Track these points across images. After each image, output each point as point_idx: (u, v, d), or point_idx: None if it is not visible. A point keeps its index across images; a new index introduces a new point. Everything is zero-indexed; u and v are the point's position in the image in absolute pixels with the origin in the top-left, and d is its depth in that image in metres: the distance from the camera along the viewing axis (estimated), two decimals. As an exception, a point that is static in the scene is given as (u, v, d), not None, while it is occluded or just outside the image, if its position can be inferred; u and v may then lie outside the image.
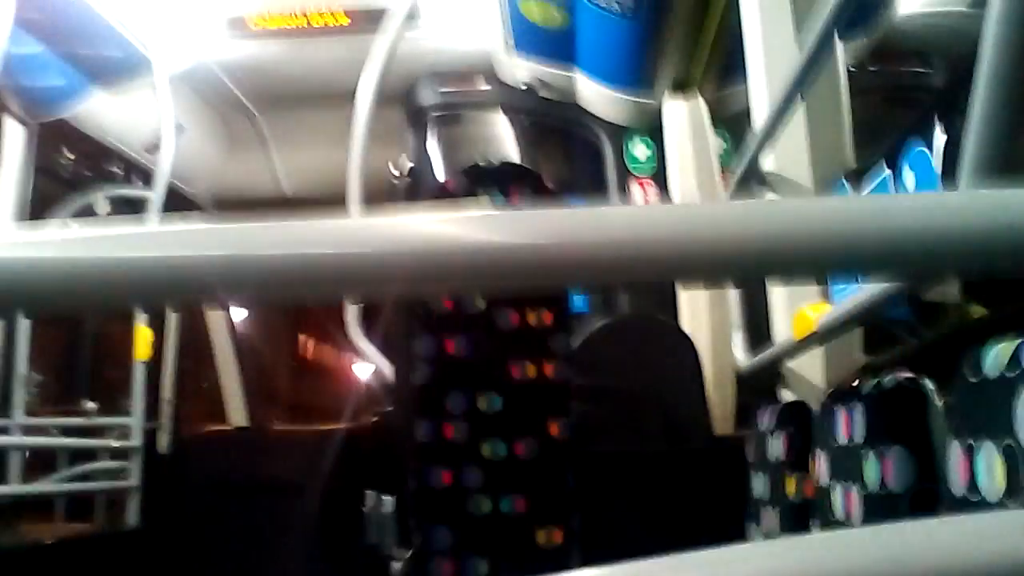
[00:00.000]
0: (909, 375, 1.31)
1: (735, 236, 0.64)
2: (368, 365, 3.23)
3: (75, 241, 0.65)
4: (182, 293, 0.66)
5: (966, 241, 0.62)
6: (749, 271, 0.70)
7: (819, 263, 0.65)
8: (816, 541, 0.55)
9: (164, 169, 3.86)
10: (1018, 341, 1.03)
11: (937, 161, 1.84)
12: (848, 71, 2.40)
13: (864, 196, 1.14)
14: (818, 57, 1.77)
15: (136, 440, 3.85)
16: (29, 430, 3.78)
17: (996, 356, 1.04)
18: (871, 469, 1.33)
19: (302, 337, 10.50)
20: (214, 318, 5.33)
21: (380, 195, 3.71)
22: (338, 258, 0.65)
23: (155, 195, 3.87)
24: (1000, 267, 0.65)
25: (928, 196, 1.05)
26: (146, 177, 4.47)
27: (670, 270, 0.67)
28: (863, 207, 0.68)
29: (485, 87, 3.94)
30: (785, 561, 0.50)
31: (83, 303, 0.80)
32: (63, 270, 0.63)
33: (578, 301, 4.08)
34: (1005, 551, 0.49)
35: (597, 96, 3.67)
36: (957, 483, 1.10)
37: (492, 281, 0.69)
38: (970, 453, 1.06)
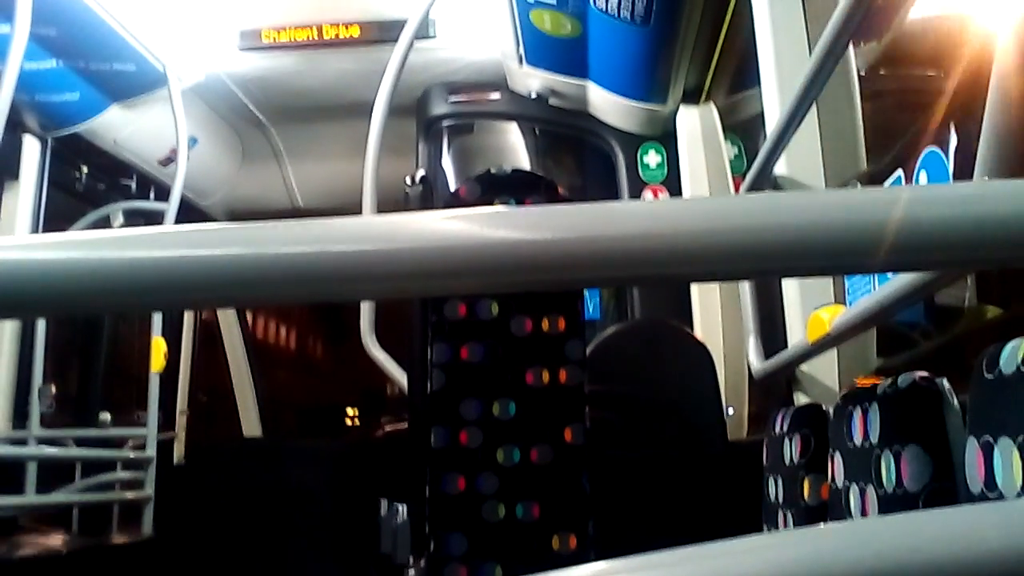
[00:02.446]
0: (924, 374, 1.31)
1: (752, 228, 0.64)
2: (382, 373, 3.23)
3: (93, 242, 0.66)
4: (201, 292, 0.67)
5: (982, 230, 0.62)
6: (766, 265, 0.70)
7: (840, 254, 0.65)
8: (825, 532, 0.55)
9: (178, 182, 3.89)
10: (1035, 337, 1.02)
11: (951, 165, 1.84)
12: (859, 75, 2.40)
13: (878, 188, 1.14)
14: (830, 62, 1.77)
15: (151, 451, 3.86)
16: (45, 441, 3.79)
17: (1013, 353, 1.04)
18: (887, 469, 1.33)
19: (315, 347, 10.53)
20: (228, 330, 5.36)
21: (392, 207, 3.71)
22: (356, 255, 0.65)
23: (169, 208, 3.90)
24: (1018, 256, 0.65)
25: (943, 187, 1.05)
26: (160, 191, 4.50)
27: (687, 263, 0.67)
28: (879, 198, 0.68)
29: (497, 97, 3.95)
30: (793, 552, 0.50)
31: (102, 302, 0.80)
32: (82, 270, 0.63)
33: (590, 308, 4.09)
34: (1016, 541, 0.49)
35: (609, 105, 3.68)
36: (975, 480, 1.10)
37: (510, 277, 0.69)
38: (987, 450, 1.06)
